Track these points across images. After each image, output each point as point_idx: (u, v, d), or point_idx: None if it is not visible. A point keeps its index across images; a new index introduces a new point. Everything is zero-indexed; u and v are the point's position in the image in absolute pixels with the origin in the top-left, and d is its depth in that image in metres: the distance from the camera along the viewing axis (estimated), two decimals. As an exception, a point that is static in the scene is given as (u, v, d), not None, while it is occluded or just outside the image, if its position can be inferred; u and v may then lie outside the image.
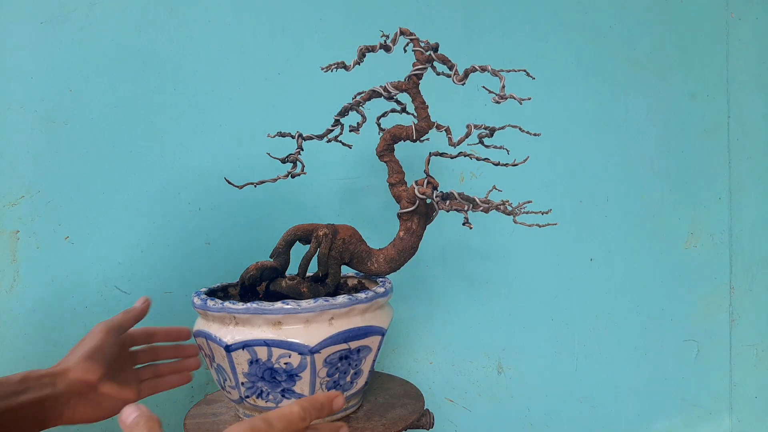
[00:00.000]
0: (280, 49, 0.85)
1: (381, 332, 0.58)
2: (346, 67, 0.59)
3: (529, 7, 0.95)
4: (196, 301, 0.57)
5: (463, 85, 0.58)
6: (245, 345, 0.53)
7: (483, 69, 0.56)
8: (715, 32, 1.08)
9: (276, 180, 0.64)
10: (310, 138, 0.64)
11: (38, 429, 0.54)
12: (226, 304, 0.53)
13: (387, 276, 0.65)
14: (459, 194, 0.60)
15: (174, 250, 0.80)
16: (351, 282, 0.69)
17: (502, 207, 0.59)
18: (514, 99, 0.56)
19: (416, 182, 0.61)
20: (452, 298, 0.92)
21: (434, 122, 0.61)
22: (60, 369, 0.56)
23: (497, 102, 0.56)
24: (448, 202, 0.59)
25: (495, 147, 0.64)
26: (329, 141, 0.66)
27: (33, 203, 0.75)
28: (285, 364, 0.53)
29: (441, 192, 0.60)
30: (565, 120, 0.98)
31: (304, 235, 0.62)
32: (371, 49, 0.58)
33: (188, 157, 0.81)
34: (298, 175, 0.65)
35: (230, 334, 0.53)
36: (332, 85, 0.88)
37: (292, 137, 0.64)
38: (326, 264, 0.61)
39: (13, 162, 0.75)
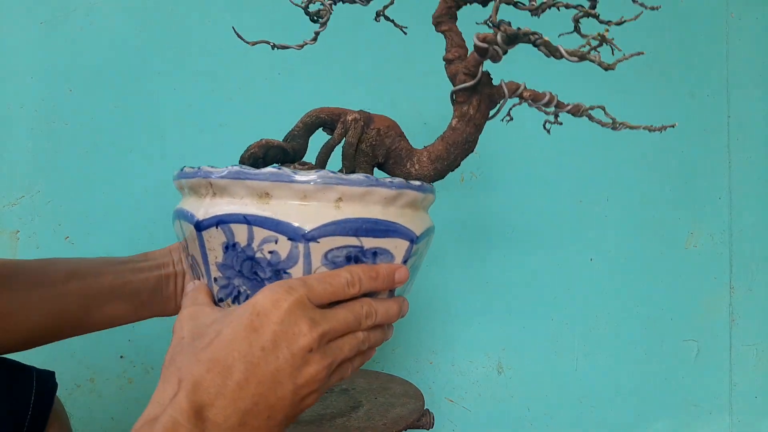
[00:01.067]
0: (280, 49, 0.85)
1: (409, 237, 0.42)
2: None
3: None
4: (174, 173, 0.45)
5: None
6: (219, 221, 0.39)
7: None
8: (715, 32, 1.08)
9: (302, 46, 0.53)
10: None
11: (155, 307, 0.51)
12: (203, 167, 0.41)
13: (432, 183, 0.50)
14: (533, 36, 0.43)
15: (174, 250, 0.80)
16: None
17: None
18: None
19: (477, 35, 0.44)
20: (452, 297, 0.92)
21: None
22: (177, 244, 0.53)
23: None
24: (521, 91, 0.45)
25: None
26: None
27: (33, 203, 0.75)
28: (270, 253, 0.39)
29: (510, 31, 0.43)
30: (565, 120, 0.98)
31: (328, 119, 0.49)
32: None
33: (188, 157, 0.81)
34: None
35: (203, 208, 0.41)
36: (332, 85, 0.88)
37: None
38: (352, 159, 0.47)
39: (13, 162, 0.75)
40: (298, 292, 0.35)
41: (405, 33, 0.54)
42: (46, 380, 0.52)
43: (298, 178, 0.39)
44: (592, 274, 0.99)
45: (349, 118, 0.47)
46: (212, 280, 0.42)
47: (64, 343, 0.75)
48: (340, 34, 0.88)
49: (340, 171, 0.46)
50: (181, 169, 0.44)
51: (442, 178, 0.49)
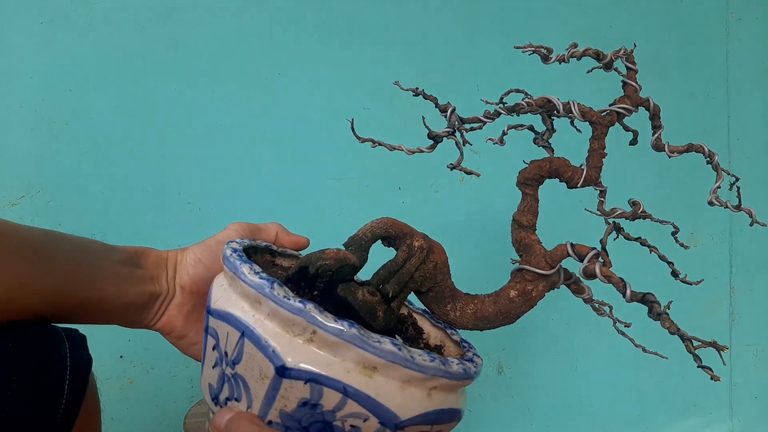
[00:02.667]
0: (280, 49, 0.85)
1: (459, 417, 0.43)
2: (546, 58, 0.49)
3: (529, 7, 0.95)
4: (248, 273, 0.38)
5: (673, 156, 0.47)
6: (312, 379, 0.35)
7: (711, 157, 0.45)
8: (715, 32, 1.08)
9: (413, 152, 0.50)
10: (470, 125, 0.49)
11: (135, 320, 0.48)
12: (310, 307, 0.35)
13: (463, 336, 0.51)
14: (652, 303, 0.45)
15: (174, 250, 0.80)
16: (434, 338, 0.51)
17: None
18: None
19: (594, 256, 0.46)
20: (452, 298, 0.92)
21: (599, 179, 0.49)
22: (174, 252, 0.50)
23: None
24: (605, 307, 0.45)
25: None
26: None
27: (33, 203, 0.75)
28: (352, 427, 0.36)
29: (637, 292, 0.46)
30: (565, 120, 0.98)
31: (394, 236, 0.47)
32: (591, 53, 0.47)
33: (188, 157, 0.81)
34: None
35: (295, 353, 0.35)
36: (332, 85, 0.88)
37: (443, 112, 0.50)
38: (404, 285, 0.46)
39: (13, 162, 0.75)
40: None
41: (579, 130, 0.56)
42: (79, 344, 0.46)
43: (414, 362, 0.36)
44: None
45: (416, 244, 0.46)
46: (263, 415, 0.37)
47: (64, 343, 0.75)
48: (340, 33, 0.88)
49: (376, 286, 0.45)
50: (268, 285, 0.37)
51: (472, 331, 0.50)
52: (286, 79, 0.85)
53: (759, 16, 1.10)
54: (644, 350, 0.50)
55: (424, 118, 0.50)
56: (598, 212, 0.49)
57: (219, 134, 0.82)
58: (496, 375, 0.94)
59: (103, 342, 0.77)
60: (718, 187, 0.47)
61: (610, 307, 0.48)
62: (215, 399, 0.41)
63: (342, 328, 0.35)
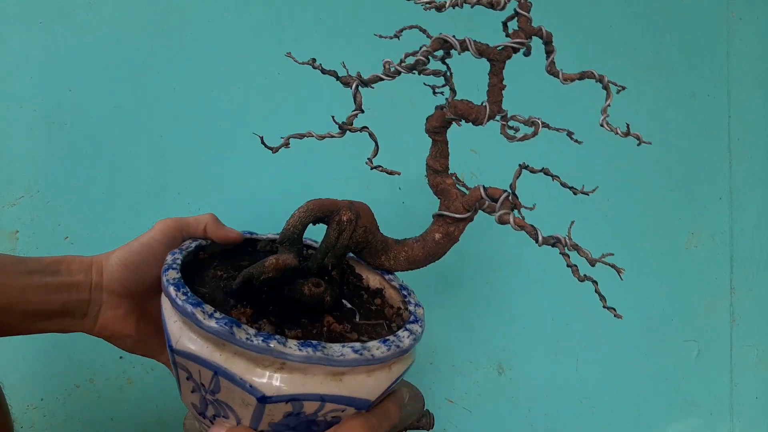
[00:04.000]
0: (280, 49, 0.85)
1: (413, 359, 0.50)
2: (440, 7, 0.51)
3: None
4: (203, 319, 0.39)
5: (567, 83, 0.50)
6: (293, 399, 0.39)
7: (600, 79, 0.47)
8: (715, 32, 1.08)
9: (323, 137, 0.52)
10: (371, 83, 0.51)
11: (63, 327, 0.48)
12: (274, 344, 0.38)
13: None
14: (570, 242, 0.49)
15: (174, 250, 0.80)
16: (373, 282, 0.55)
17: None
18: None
19: (505, 198, 0.50)
20: (452, 297, 0.92)
21: (519, 116, 0.51)
22: (100, 257, 0.49)
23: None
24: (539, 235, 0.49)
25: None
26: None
27: (32, 203, 0.75)
28: (332, 417, 0.42)
29: (547, 237, 0.50)
30: (565, 120, 0.98)
31: (322, 216, 0.49)
32: None
33: (188, 157, 0.81)
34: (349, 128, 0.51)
35: (271, 383, 0.39)
36: (332, 85, 0.88)
37: (346, 85, 0.53)
38: (341, 257, 0.49)
39: (12, 162, 0.75)
40: (374, 428, 0.40)
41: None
42: None
43: (375, 359, 0.41)
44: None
45: (344, 218, 0.49)
46: (254, 427, 0.41)
47: (62, 344, 0.75)
48: (340, 33, 0.88)
49: (314, 260, 0.49)
50: (226, 327, 0.38)
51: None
52: (286, 79, 0.85)
53: (759, 16, 1.10)
54: (605, 305, 0.54)
55: (333, 117, 0.53)
56: (503, 136, 0.50)
57: (219, 134, 0.82)
58: (496, 375, 0.94)
59: (103, 342, 0.77)
60: (609, 105, 0.50)
61: (536, 230, 0.50)
62: (202, 414, 0.44)
63: (308, 354, 0.38)
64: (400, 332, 0.45)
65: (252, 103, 0.84)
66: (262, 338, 0.38)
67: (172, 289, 0.42)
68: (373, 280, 0.55)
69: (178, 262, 0.46)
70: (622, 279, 0.49)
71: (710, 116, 1.07)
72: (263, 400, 0.39)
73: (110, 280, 0.49)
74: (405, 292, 0.53)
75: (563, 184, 0.53)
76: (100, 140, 0.78)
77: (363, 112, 0.51)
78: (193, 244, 0.50)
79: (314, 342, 0.39)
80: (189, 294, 0.41)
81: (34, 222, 0.75)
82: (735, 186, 1.08)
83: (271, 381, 0.39)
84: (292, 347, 0.38)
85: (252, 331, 0.39)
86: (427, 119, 0.52)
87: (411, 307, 0.50)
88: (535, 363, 0.96)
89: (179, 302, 0.41)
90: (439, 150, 0.52)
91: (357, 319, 0.48)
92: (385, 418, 0.41)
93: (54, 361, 0.75)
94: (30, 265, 0.47)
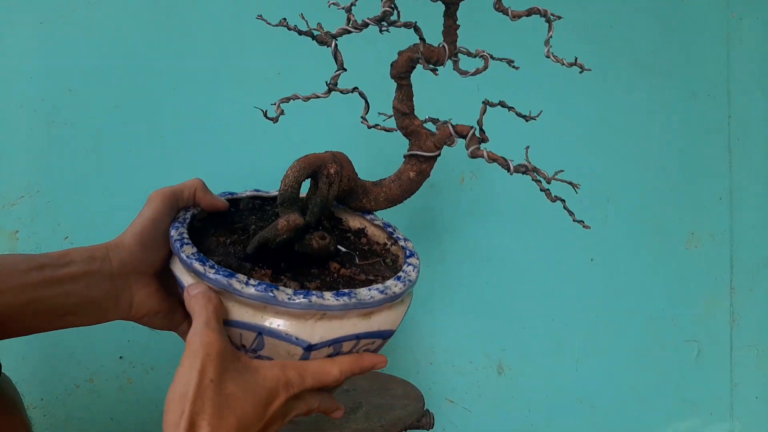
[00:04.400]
0: (280, 49, 0.85)
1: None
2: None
3: (528, 6, 0.95)
4: (242, 289, 0.42)
5: (515, 20, 0.52)
6: (334, 342, 0.44)
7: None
8: (715, 32, 1.08)
9: (309, 98, 0.56)
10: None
11: (96, 318, 0.48)
12: (314, 299, 0.42)
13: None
14: (531, 167, 0.53)
15: (174, 250, 0.80)
16: (353, 223, 0.58)
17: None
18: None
19: (473, 134, 0.53)
20: (452, 298, 0.92)
21: (463, 48, 0.53)
22: (114, 242, 0.48)
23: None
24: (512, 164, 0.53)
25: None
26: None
27: (32, 203, 0.75)
28: (365, 350, 0.48)
29: (518, 165, 0.53)
30: (566, 120, 0.98)
31: (313, 172, 0.52)
32: None
33: (188, 157, 0.81)
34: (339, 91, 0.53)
35: (314, 332, 0.43)
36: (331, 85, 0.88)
37: (321, 43, 0.56)
38: (326, 207, 0.52)
39: (12, 162, 0.75)
40: (293, 384, 0.42)
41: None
42: None
43: (395, 294, 0.46)
44: (592, 274, 0.99)
45: (332, 171, 0.52)
46: None
47: (62, 344, 0.75)
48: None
49: (306, 209, 0.52)
50: (269, 292, 0.42)
51: None
52: (286, 79, 0.85)
53: (760, 16, 1.10)
54: (574, 219, 0.56)
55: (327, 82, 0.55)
56: (456, 72, 0.53)
57: (219, 134, 0.82)
58: (496, 375, 0.94)
59: (103, 343, 0.77)
60: (551, 36, 0.52)
61: (510, 162, 0.53)
62: None
63: (344, 302, 0.43)
64: (405, 268, 0.50)
65: (252, 103, 0.84)
66: (302, 296, 0.42)
67: (197, 265, 0.43)
68: (353, 221, 0.58)
69: (185, 235, 0.47)
70: (577, 192, 0.54)
71: (710, 116, 1.07)
72: (309, 348, 0.43)
73: (135, 261, 0.48)
74: (390, 229, 0.57)
75: (518, 114, 0.56)
76: (100, 140, 0.78)
77: (345, 70, 0.54)
78: (188, 214, 0.51)
79: (346, 290, 0.44)
80: (217, 266, 0.43)
81: (34, 222, 0.75)
82: (735, 186, 1.08)
83: (314, 331, 0.43)
84: (330, 299, 0.42)
85: (290, 291, 0.42)
86: (392, 65, 0.55)
87: (401, 243, 0.54)
88: (535, 363, 0.96)
89: (211, 276, 0.42)
90: (405, 93, 0.55)
91: (357, 261, 0.52)
92: (313, 376, 0.43)
93: (54, 361, 0.75)
94: (35, 262, 0.45)
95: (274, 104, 0.56)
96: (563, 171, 0.54)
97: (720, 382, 1.07)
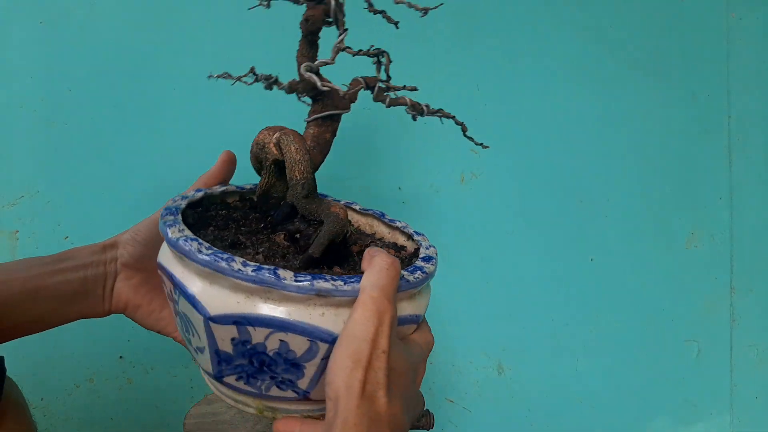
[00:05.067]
0: (280, 49, 0.85)
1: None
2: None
3: (529, 6, 0.95)
4: (265, 276, 0.38)
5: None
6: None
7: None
8: (715, 32, 1.08)
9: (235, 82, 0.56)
10: None
11: (94, 305, 0.51)
12: (316, 283, 0.39)
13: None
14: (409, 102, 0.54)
15: (174, 250, 0.80)
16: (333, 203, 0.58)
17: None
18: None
19: (379, 85, 0.55)
20: (452, 297, 0.92)
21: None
22: (113, 240, 0.52)
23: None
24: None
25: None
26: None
27: (32, 203, 0.75)
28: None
29: (415, 102, 0.55)
30: (566, 120, 0.98)
31: (261, 154, 0.57)
32: None
33: (188, 157, 0.81)
34: None
35: (336, 325, 0.41)
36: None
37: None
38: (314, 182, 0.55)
39: (12, 162, 0.75)
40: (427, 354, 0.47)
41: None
42: None
43: (413, 282, 0.46)
44: (592, 274, 0.99)
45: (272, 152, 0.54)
46: None
47: (62, 344, 0.75)
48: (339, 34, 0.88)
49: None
50: (276, 276, 0.38)
51: None
52: (286, 79, 0.85)
53: (759, 16, 1.10)
54: (471, 139, 0.56)
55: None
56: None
57: (219, 134, 0.82)
58: (496, 375, 0.94)
59: (103, 343, 0.77)
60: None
61: (427, 106, 0.54)
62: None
63: (352, 284, 0.40)
64: (419, 262, 0.50)
65: (252, 103, 0.84)
66: (310, 282, 0.39)
67: (228, 264, 0.39)
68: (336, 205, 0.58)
69: (190, 236, 0.43)
70: (466, 134, 0.54)
71: (710, 116, 1.07)
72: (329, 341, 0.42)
73: (123, 255, 0.52)
74: (375, 211, 0.59)
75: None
76: (100, 140, 0.78)
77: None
78: (179, 217, 0.48)
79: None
80: (256, 265, 0.39)
81: (34, 222, 0.75)
82: (735, 186, 1.08)
83: (323, 318, 0.41)
84: (343, 284, 0.41)
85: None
86: (303, 18, 0.56)
87: (409, 230, 0.58)
88: (535, 363, 0.96)
89: (250, 274, 0.38)
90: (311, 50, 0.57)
91: (368, 243, 0.54)
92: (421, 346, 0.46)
93: (54, 361, 0.75)
94: (39, 259, 0.50)
95: (211, 76, 0.56)
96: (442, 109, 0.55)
97: (720, 382, 1.07)
